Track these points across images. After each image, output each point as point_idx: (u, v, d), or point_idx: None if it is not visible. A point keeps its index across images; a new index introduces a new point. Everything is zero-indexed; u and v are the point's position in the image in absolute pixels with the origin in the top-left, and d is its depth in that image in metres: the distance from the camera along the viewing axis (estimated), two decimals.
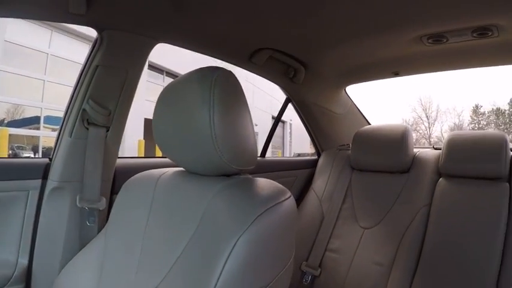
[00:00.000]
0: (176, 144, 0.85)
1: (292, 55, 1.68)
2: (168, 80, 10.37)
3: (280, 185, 0.82)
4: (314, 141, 2.19)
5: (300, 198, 2.02)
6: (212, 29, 1.34)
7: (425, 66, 1.85)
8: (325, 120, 2.13)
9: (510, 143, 1.61)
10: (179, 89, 0.84)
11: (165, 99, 0.87)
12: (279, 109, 2.06)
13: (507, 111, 25.00)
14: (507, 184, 1.52)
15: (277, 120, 2.08)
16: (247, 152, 0.83)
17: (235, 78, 0.84)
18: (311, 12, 1.25)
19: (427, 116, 26.47)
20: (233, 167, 0.80)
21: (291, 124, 18.08)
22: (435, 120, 26.51)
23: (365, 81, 2.12)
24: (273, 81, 1.89)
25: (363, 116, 2.32)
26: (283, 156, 16.06)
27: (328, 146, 2.15)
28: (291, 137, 17.77)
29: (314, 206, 1.89)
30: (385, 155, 1.76)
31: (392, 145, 1.75)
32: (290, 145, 17.79)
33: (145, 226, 0.88)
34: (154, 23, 1.21)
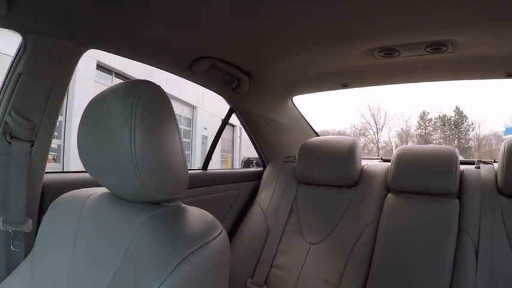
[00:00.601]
0: (99, 166, 0.76)
1: (235, 64, 1.59)
2: (117, 82, 9.91)
3: (212, 218, 0.74)
4: (259, 152, 2.12)
5: (244, 211, 1.94)
6: (147, 35, 1.24)
7: (376, 79, 1.84)
8: (271, 131, 2.07)
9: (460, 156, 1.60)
10: (101, 106, 0.74)
11: (88, 116, 0.76)
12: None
13: (453, 118, 26.34)
14: (457, 200, 1.51)
15: (219, 132, 1.99)
16: (175, 178, 0.74)
17: (164, 93, 0.75)
18: (254, 21, 1.19)
19: (375, 122, 27.37)
20: (158, 196, 0.71)
21: (240, 128, 17.66)
22: (383, 125, 27.43)
23: (312, 92, 2.09)
24: (215, 91, 1.80)
25: (310, 126, 2.28)
26: (232, 160, 16.04)
27: (274, 158, 2.08)
28: (240, 140, 17.78)
29: (259, 220, 1.81)
30: (332, 169, 1.72)
31: (340, 158, 1.71)
32: (240, 149, 17.79)
33: (71, 256, 0.78)
34: (82, 27, 1.10)
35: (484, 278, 1.33)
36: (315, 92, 2.08)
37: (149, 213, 0.71)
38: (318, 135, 2.24)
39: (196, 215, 0.74)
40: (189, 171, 1.86)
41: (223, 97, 1.85)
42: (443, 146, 1.69)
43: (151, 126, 0.69)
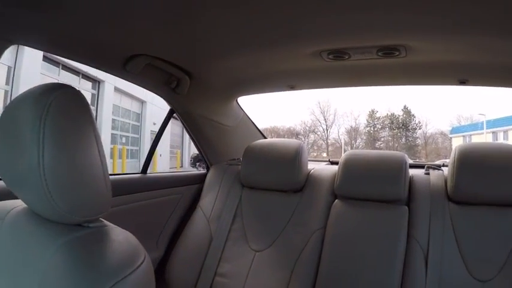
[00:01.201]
0: (13, 179, 0.67)
1: (174, 63, 1.50)
2: (64, 74, 9.53)
3: (135, 244, 0.67)
4: (202, 155, 2.03)
5: (186, 217, 1.85)
6: (75, 32, 1.13)
7: (325, 81, 1.81)
8: (214, 133, 1.99)
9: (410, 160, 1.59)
10: (13, 113, 0.65)
11: (1, 124, 0.67)
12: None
13: (400, 117, 27.32)
14: (406, 207, 1.50)
15: (159, 134, 1.88)
16: (93, 199, 0.66)
17: (83, 99, 0.66)
18: (190, 21, 1.11)
19: (325, 119, 27.89)
20: (75, 218, 0.63)
21: None
22: (333, 123, 28.01)
23: (258, 93, 2.03)
24: (153, 92, 1.69)
25: (257, 128, 2.23)
26: (182, 156, 15.73)
27: (218, 160, 2.00)
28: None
29: (201, 226, 1.73)
30: (277, 173, 1.67)
31: (285, 162, 1.66)
32: (189, 144, 17.52)
33: None
34: (4, 22, 0.99)
35: (434, 284, 1.33)
36: (261, 92, 2.03)
37: (66, 237, 0.62)
38: (264, 137, 2.19)
39: (118, 240, 0.66)
40: (128, 175, 1.75)
41: (163, 98, 1.75)
42: (393, 152, 1.67)
43: (64, 138, 0.61)
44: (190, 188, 1.93)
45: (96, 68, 1.39)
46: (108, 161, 11.38)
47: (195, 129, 1.92)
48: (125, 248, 0.65)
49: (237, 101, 2.06)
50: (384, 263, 1.40)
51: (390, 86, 1.84)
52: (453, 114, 31.38)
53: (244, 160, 1.75)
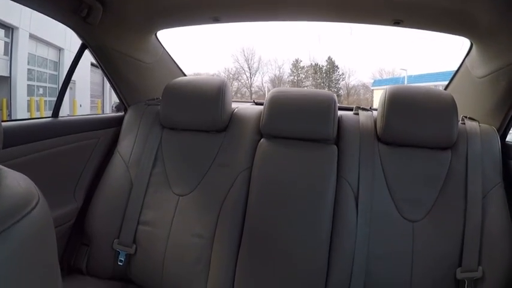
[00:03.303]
0: None
1: None
2: None
3: (29, 186, 0.56)
4: (118, 95, 1.84)
5: (104, 163, 1.70)
6: None
7: (250, 14, 1.69)
8: (131, 71, 1.80)
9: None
10: None
11: None
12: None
13: (324, 67, 27.84)
14: (335, 146, 1.48)
15: (71, 71, 1.65)
16: None
17: None
18: None
19: (249, 67, 27.76)
20: None
21: None
22: (257, 70, 27.93)
23: (179, 26, 1.86)
24: (60, 21, 1.46)
25: (177, 65, 2.07)
26: (103, 105, 14.96)
27: (136, 100, 1.83)
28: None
29: (120, 173, 1.60)
30: (199, 112, 1.57)
31: (207, 100, 1.56)
32: (110, 93, 16.71)
33: None
34: None
35: (365, 227, 1.35)
36: (182, 25, 1.85)
37: None
38: (185, 75, 2.05)
39: (10, 183, 0.54)
40: (36, 120, 1.54)
41: (72, 29, 1.52)
42: (321, 90, 1.64)
43: None
44: (107, 131, 1.76)
45: None
46: (26, 114, 10.61)
47: (109, 66, 1.72)
48: (18, 189, 0.53)
49: (156, 35, 1.87)
50: (314, 203, 1.39)
51: (314, 34, 1.79)
52: (376, 68, 32.60)
53: (163, 99, 1.62)
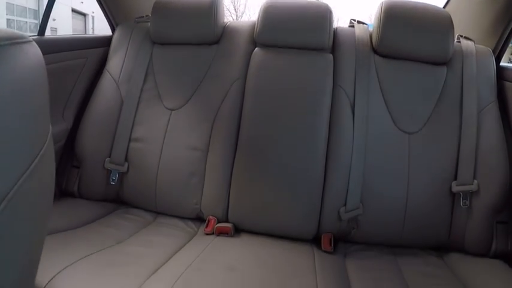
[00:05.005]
0: None
1: None
2: None
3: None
4: (106, 14, 1.76)
5: (93, 84, 1.65)
6: None
7: None
8: None
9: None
10: None
11: None
12: None
13: None
14: (331, 55, 1.45)
15: None
16: None
17: None
18: None
19: (235, 9, 27.07)
20: None
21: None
22: (243, 13, 27.34)
23: None
24: None
25: None
26: None
27: (124, 19, 1.76)
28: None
29: (110, 91, 1.57)
30: (191, 24, 1.52)
31: (199, 12, 1.51)
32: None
33: None
34: None
35: (361, 135, 1.35)
36: None
37: None
38: None
39: None
40: None
41: None
42: (317, 1, 1.58)
43: None
44: (95, 51, 1.69)
45: None
46: None
47: None
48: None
49: None
50: (310, 112, 1.38)
51: None
52: None
53: (154, 15, 1.56)
